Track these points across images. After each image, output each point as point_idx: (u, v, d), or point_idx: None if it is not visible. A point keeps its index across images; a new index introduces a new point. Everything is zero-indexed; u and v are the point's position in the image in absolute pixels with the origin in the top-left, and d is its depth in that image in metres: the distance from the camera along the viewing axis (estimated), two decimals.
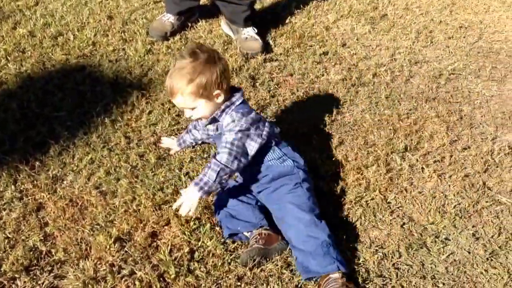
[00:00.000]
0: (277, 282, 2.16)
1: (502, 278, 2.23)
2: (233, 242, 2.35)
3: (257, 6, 4.23)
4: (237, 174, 2.49)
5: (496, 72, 3.64)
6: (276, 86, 3.37)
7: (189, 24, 3.97)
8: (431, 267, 2.27)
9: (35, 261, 2.24)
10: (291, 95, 3.29)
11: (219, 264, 2.23)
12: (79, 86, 3.28)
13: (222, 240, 2.35)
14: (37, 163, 2.70)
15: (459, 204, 2.57)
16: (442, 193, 2.63)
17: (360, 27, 4.10)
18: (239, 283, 2.17)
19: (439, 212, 2.52)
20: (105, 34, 3.86)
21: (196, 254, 2.28)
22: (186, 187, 2.56)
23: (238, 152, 2.27)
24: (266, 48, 3.74)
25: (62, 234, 2.35)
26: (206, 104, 2.35)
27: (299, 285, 2.17)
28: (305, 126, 3.01)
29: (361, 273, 2.22)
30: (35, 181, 2.60)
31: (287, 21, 4.12)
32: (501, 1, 4.66)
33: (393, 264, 2.27)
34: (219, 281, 2.18)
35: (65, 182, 2.63)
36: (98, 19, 4.05)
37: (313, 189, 2.44)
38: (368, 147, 2.87)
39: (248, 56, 3.64)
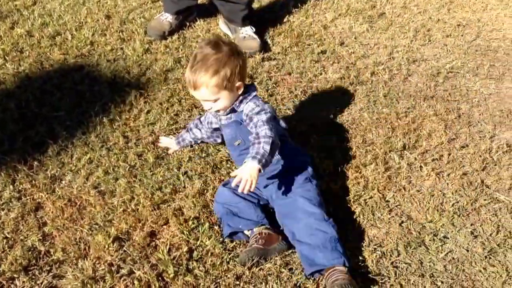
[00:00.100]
0: (276, 281, 2.16)
1: (501, 276, 2.23)
2: (232, 241, 2.35)
3: (255, 5, 4.23)
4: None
5: (494, 70, 3.64)
6: (274, 85, 3.37)
7: (187, 24, 3.97)
8: (430, 266, 2.27)
9: (33, 261, 2.23)
10: (289, 94, 3.30)
11: (218, 263, 2.23)
12: (77, 86, 3.28)
13: (221, 239, 2.35)
14: (36, 163, 2.70)
15: (458, 202, 2.57)
16: (440, 191, 2.63)
17: (358, 26, 4.10)
18: (237, 282, 2.17)
19: (438, 210, 2.52)
20: (103, 33, 3.86)
21: (195, 253, 2.28)
22: (185, 186, 2.58)
23: (274, 128, 2.34)
24: (264, 47, 3.75)
25: (61, 234, 2.35)
26: (228, 96, 2.42)
27: (298, 284, 2.17)
28: (303, 125, 3.01)
29: (359, 272, 2.22)
30: (33, 181, 2.60)
31: (285, 20, 4.12)
32: None
33: (392, 263, 2.27)
34: (218, 280, 2.18)
35: (63, 182, 2.63)
36: (96, 18, 4.05)
37: (320, 186, 2.47)
38: (366, 146, 2.87)
39: (246, 55, 3.63)
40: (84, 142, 2.85)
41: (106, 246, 2.28)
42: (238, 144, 2.52)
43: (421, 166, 2.77)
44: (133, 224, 2.39)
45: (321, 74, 3.51)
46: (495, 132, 3.05)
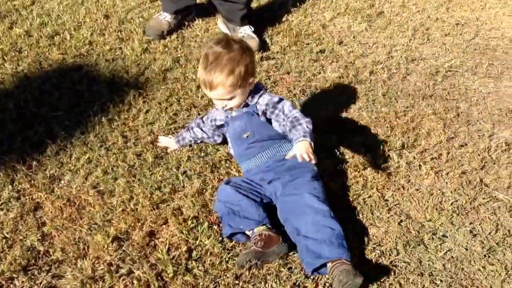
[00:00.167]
0: (275, 280, 2.16)
1: (500, 274, 2.23)
2: (231, 240, 2.35)
3: (254, 4, 4.23)
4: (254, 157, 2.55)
5: (493, 69, 3.64)
6: (273, 84, 3.37)
7: (186, 23, 3.97)
8: (429, 264, 2.27)
9: (33, 261, 2.23)
10: (288, 93, 3.29)
11: (217, 262, 2.23)
12: (76, 86, 3.28)
13: (220, 238, 2.35)
14: (35, 162, 2.70)
15: (456, 201, 2.58)
16: (439, 190, 2.63)
17: (357, 25, 4.10)
18: (237, 282, 2.17)
19: (437, 209, 2.52)
20: (102, 33, 3.86)
21: (194, 252, 2.28)
22: (184, 186, 2.58)
23: None
24: (263, 46, 3.75)
25: (60, 233, 2.35)
26: (242, 93, 2.48)
27: (297, 283, 2.17)
28: None
29: (359, 271, 2.22)
30: (32, 181, 2.60)
31: (283, 19, 4.12)
32: None
33: (391, 262, 2.27)
34: (217, 280, 2.18)
35: (62, 181, 2.62)
36: (95, 18, 4.05)
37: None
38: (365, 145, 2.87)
39: None
40: (83, 142, 2.85)
41: (105, 246, 2.28)
42: (247, 136, 2.53)
43: (420, 165, 2.77)
44: (132, 224, 2.39)
45: (319, 73, 3.51)
46: (494, 130, 3.05)
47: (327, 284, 2.16)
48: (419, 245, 2.35)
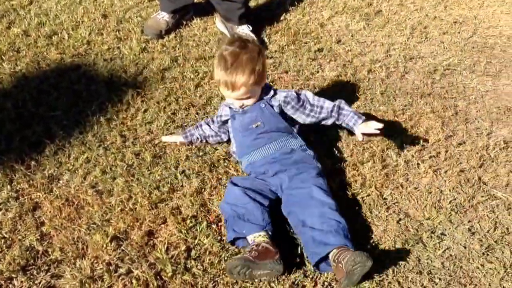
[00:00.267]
0: (273, 280, 2.16)
1: (498, 272, 2.24)
2: (233, 245, 2.33)
3: (252, 3, 4.23)
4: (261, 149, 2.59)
5: (491, 67, 3.64)
6: (272, 83, 3.36)
7: (184, 22, 3.97)
8: (427, 263, 2.28)
9: (31, 261, 2.24)
10: None
11: (216, 261, 2.23)
12: (74, 85, 3.27)
13: (219, 237, 2.35)
14: (33, 162, 2.70)
15: (455, 199, 2.58)
16: (437, 188, 2.64)
17: (355, 24, 4.10)
18: (236, 281, 2.17)
19: (435, 207, 2.53)
20: (100, 32, 3.85)
21: (193, 252, 2.28)
22: (182, 185, 2.58)
23: None
24: (261, 45, 3.74)
25: (59, 233, 2.35)
26: (259, 90, 2.60)
27: (296, 282, 2.17)
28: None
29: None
30: (31, 181, 2.60)
31: (281, 18, 4.12)
32: None
33: (390, 260, 2.27)
34: (216, 279, 2.18)
35: (61, 181, 2.62)
36: (93, 17, 4.04)
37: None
38: (363, 143, 2.87)
39: None
40: (82, 142, 2.85)
41: (104, 246, 2.28)
42: (257, 126, 2.58)
43: (418, 164, 2.77)
44: (131, 223, 2.39)
45: (318, 72, 3.51)
46: (492, 129, 3.05)
47: (325, 283, 2.17)
48: (418, 244, 2.35)
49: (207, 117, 3.04)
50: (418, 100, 3.25)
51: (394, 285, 2.18)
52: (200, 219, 2.42)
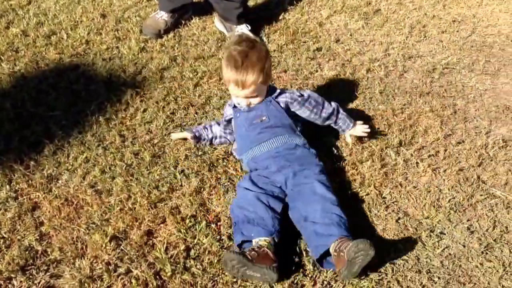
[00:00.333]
0: None
1: (497, 271, 2.24)
2: (230, 240, 2.33)
3: (250, 2, 4.23)
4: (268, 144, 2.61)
5: (490, 66, 3.64)
6: (271, 83, 3.36)
7: (183, 22, 3.97)
8: (426, 261, 2.28)
9: (31, 261, 2.24)
10: None
11: (215, 261, 2.23)
12: (73, 85, 3.28)
13: (218, 237, 2.35)
14: (32, 162, 2.70)
15: (454, 198, 2.58)
16: (436, 187, 2.64)
17: (354, 23, 4.10)
18: (235, 280, 2.17)
19: (434, 206, 2.53)
20: (99, 32, 3.85)
21: (192, 251, 2.28)
22: (181, 185, 2.58)
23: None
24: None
25: (58, 233, 2.35)
26: (265, 88, 2.66)
27: (295, 281, 2.17)
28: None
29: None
30: (30, 181, 2.60)
31: (280, 17, 4.12)
32: None
33: (389, 259, 2.27)
34: (216, 278, 2.18)
35: (60, 181, 2.62)
36: (91, 17, 4.04)
37: None
38: (362, 143, 2.87)
39: None
40: (81, 141, 2.85)
41: (103, 245, 2.28)
42: (262, 120, 2.63)
43: (417, 163, 2.77)
44: (130, 223, 2.39)
45: (316, 71, 3.51)
46: (491, 127, 3.05)
47: (325, 282, 2.17)
48: (417, 242, 2.35)
49: (206, 116, 3.05)
50: (417, 99, 3.25)
51: (393, 284, 2.18)
52: (199, 219, 2.42)
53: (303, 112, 2.76)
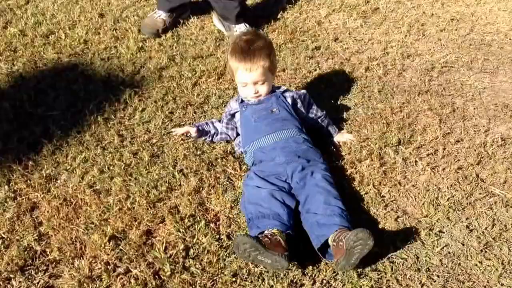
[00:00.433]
0: (272, 278, 2.17)
1: (497, 269, 2.24)
2: (229, 238, 2.34)
3: (249, 1, 4.23)
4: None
5: (488, 64, 3.64)
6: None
7: (181, 21, 3.97)
8: (426, 260, 2.28)
9: (30, 261, 2.23)
10: None
11: (214, 260, 2.23)
12: (71, 85, 3.27)
13: (217, 236, 2.35)
14: (31, 162, 2.70)
15: (453, 196, 2.58)
16: (435, 186, 2.64)
17: (352, 21, 4.10)
18: (234, 279, 2.17)
19: (433, 205, 2.53)
20: (97, 32, 3.85)
21: (191, 251, 2.28)
22: (180, 184, 2.58)
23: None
24: None
25: (57, 233, 2.35)
26: (271, 79, 2.76)
27: (295, 280, 2.17)
28: None
29: (356, 267, 2.22)
30: (28, 181, 2.60)
31: (278, 16, 4.12)
32: None
33: (388, 258, 2.27)
34: (215, 278, 2.18)
35: (59, 181, 2.62)
36: (90, 17, 4.04)
37: None
38: (361, 141, 2.88)
39: None
40: (79, 141, 2.85)
41: (102, 245, 2.28)
42: (272, 111, 2.70)
43: (416, 161, 2.77)
44: (129, 223, 2.39)
45: (315, 70, 3.51)
46: (489, 126, 3.05)
47: (324, 281, 2.17)
48: (416, 241, 2.35)
49: (204, 116, 3.05)
50: (416, 98, 3.25)
51: (392, 283, 2.18)
52: (198, 218, 2.42)
53: (303, 113, 2.82)
